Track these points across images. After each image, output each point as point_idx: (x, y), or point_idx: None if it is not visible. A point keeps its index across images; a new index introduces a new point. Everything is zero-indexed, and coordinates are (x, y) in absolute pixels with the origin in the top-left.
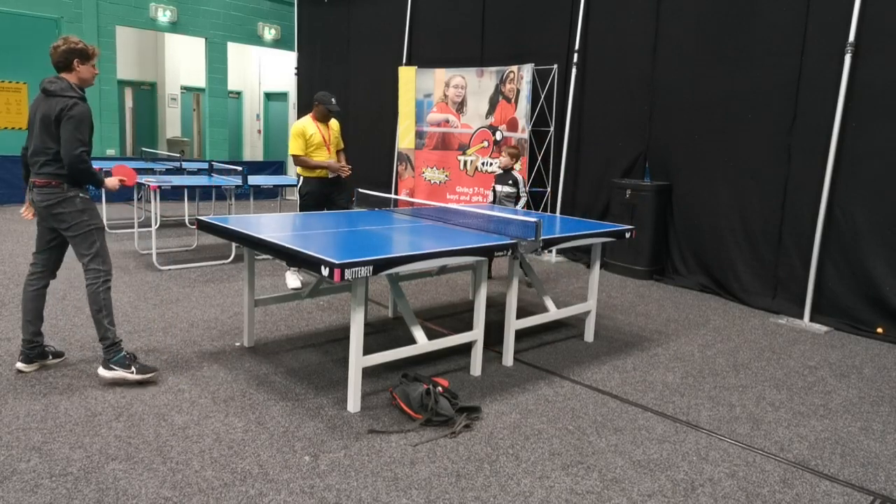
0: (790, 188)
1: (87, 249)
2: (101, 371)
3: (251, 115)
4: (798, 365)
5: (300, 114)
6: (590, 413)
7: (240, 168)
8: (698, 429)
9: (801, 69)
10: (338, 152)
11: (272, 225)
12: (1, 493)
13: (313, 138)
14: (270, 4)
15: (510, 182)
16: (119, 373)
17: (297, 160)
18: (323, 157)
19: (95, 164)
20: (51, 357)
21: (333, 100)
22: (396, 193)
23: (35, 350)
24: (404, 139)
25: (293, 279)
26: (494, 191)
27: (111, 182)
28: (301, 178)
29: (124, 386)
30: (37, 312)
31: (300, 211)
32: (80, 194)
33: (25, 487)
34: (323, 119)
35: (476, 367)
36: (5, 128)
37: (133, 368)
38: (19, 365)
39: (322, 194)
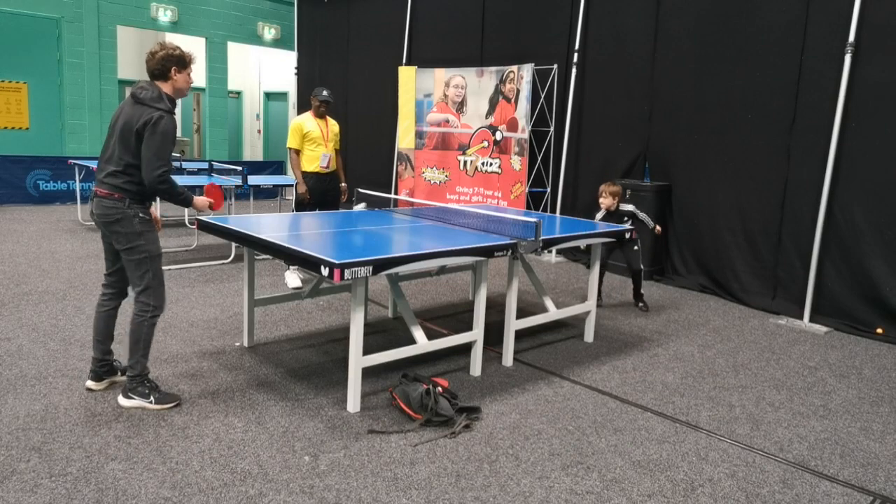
0: (790, 188)
1: (138, 279)
2: (121, 399)
3: (251, 114)
4: (798, 365)
5: (300, 114)
6: (589, 413)
7: (240, 168)
8: (698, 429)
9: (801, 69)
10: (336, 151)
11: (272, 225)
12: (1, 493)
13: (311, 134)
14: (270, 4)
15: (625, 219)
16: (137, 401)
17: (291, 158)
18: (320, 151)
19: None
20: (119, 374)
21: (325, 91)
22: (396, 193)
23: (105, 367)
24: (404, 139)
25: (293, 278)
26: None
27: (201, 202)
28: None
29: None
30: (108, 332)
31: (295, 208)
32: (141, 214)
33: (25, 487)
34: (320, 114)
35: (476, 367)
36: (5, 128)
37: (152, 398)
38: (89, 383)
39: (318, 191)
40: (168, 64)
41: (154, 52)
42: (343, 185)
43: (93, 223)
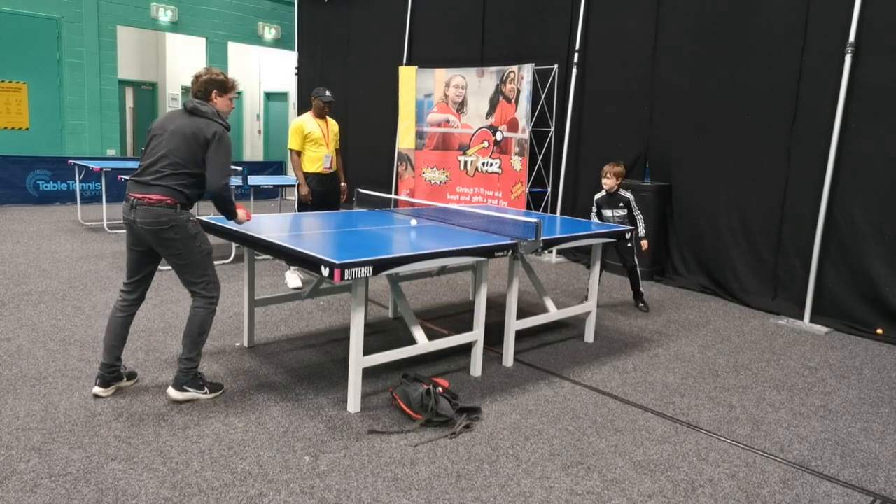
0: (790, 189)
1: (199, 277)
2: (172, 392)
3: (251, 115)
4: (798, 366)
5: (300, 114)
6: (590, 413)
7: (240, 168)
8: (698, 429)
9: (801, 69)
10: (336, 151)
11: (272, 225)
12: (1, 493)
13: (312, 134)
14: (271, 4)
15: (621, 205)
16: (192, 394)
17: (292, 159)
18: (322, 152)
19: (95, 164)
20: (125, 379)
21: (328, 92)
22: (396, 194)
23: (114, 374)
24: (404, 139)
25: (293, 278)
26: (601, 216)
27: (241, 215)
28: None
29: (124, 386)
30: (123, 338)
31: (298, 209)
32: (192, 217)
33: (25, 487)
34: (320, 114)
35: (476, 367)
36: (5, 128)
37: (206, 389)
38: (97, 390)
39: (320, 192)
40: (210, 87)
41: (199, 75)
42: (343, 184)
43: (91, 225)
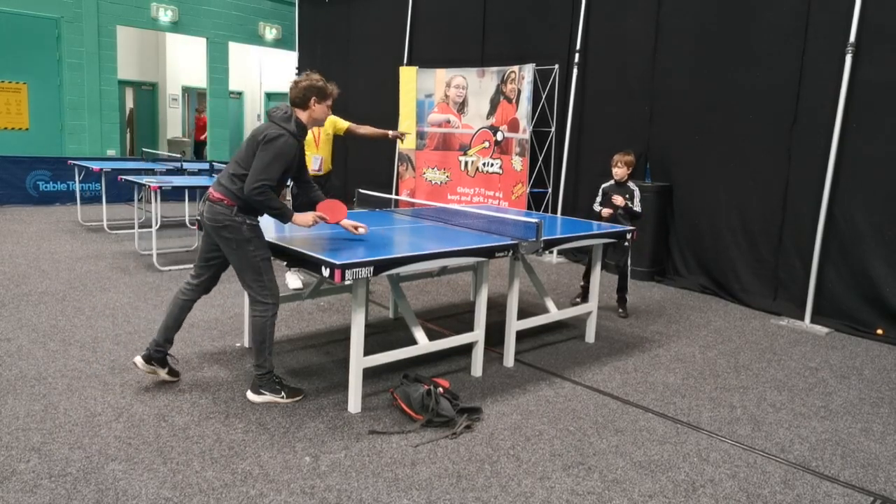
0: (790, 189)
1: (254, 281)
2: (251, 395)
3: (252, 115)
4: (799, 366)
5: None
6: (591, 414)
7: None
8: (699, 430)
9: (801, 69)
10: (349, 132)
11: (272, 225)
12: (1, 493)
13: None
14: (271, 4)
15: (627, 195)
16: (269, 397)
17: None
18: (310, 154)
19: (95, 165)
20: (167, 370)
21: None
22: (397, 194)
23: (159, 353)
24: (405, 139)
25: (294, 280)
26: (612, 205)
27: (303, 219)
28: None
29: (124, 386)
30: (178, 321)
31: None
32: (248, 220)
33: (25, 488)
34: None
35: (477, 367)
36: (5, 128)
37: (283, 393)
38: (137, 359)
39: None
40: (309, 94)
41: (298, 81)
42: (390, 133)
43: (91, 225)
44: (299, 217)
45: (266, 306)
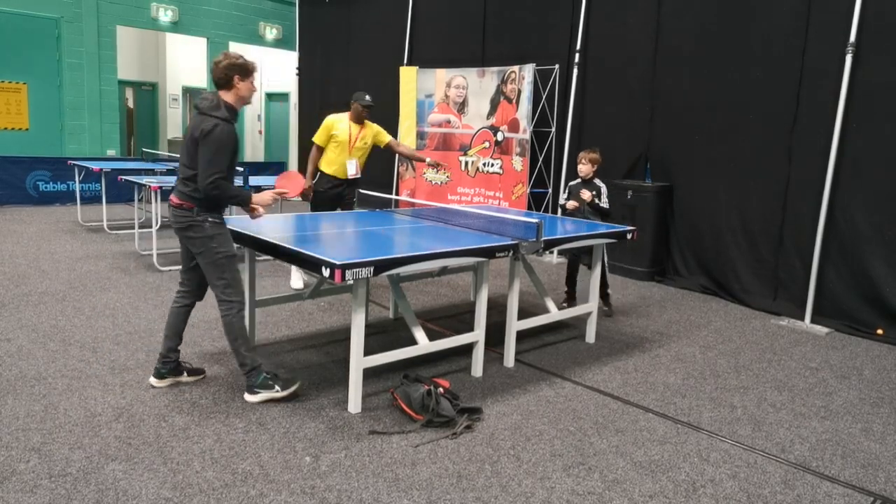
0: (791, 189)
1: (217, 279)
2: (247, 396)
3: (252, 115)
4: (799, 366)
5: (301, 114)
6: (591, 414)
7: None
8: (700, 430)
9: (802, 69)
10: (386, 147)
11: (273, 225)
12: (1, 493)
13: (337, 136)
14: (272, 4)
15: (594, 192)
16: (264, 394)
17: (311, 151)
18: (343, 157)
19: (95, 165)
20: (185, 374)
21: (367, 96)
22: (397, 194)
23: (167, 366)
24: (405, 140)
25: (297, 279)
26: (579, 198)
27: (262, 198)
28: (319, 172)
29: (124, 386)
30: (175, 329)
31: (311, 207)
32: (210, 219)
33: (25, 488)
34: (358, 119)
35: (477, 368)
36: (5, 128)
37: (277, 387)
38: (151, 380)
39: (329, 196)
40: (231, 72)
41: (218, 61)
42: (428, 159)
43: (91, 225)
44: (258, 197)
45: (230, 304)
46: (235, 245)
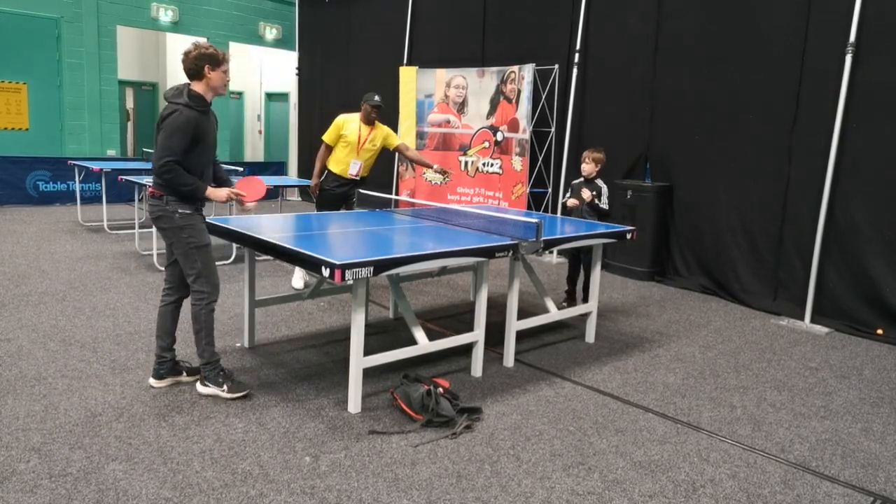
0: (791, 189)
1: (189, 269)
2: (198, 386)
3: (252, 115)
4: (799, 366)
5: (301, 114)
6: (591, 414)
7: (241, 169)
8: (699, 430)
9: (801, 69)
10: (394, 150)
11: (273, 225)
12: (1, 493)
13: (346, 137)
14: (272, 4)
15: (594, 192)
16: (212, 389)
17: (320, 149)
18: (351, 158)
19: (95, 165)
20: (185, 374)
21: (377, 97)
22: (397, 194)
23: (164, 366)
24: (405, 140)
25: (298, 279)
26: (580, 197)
27: (216, 194)
28: (326, 170)
29: (124, 386)
30: (166, 329)
31: (317, 205)
32: (180, 210)
33: (25, 488)
34: (367, 120)
35: (477, 367)
36: (5, 128)
37: (225, 386)
38: (150, 380)
39: (335, 195)
40: (201, 62)
41: (188, 52)
42: (435, 166)
43: (91, 225)
44: (213, 192)
45: (201, 294)
46: (236, 246)
